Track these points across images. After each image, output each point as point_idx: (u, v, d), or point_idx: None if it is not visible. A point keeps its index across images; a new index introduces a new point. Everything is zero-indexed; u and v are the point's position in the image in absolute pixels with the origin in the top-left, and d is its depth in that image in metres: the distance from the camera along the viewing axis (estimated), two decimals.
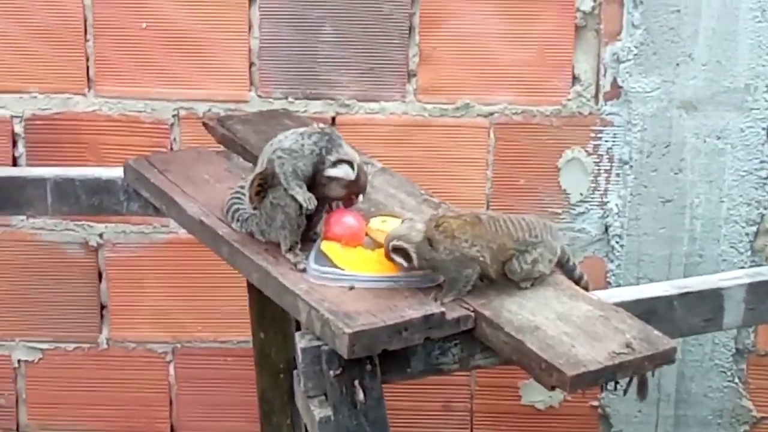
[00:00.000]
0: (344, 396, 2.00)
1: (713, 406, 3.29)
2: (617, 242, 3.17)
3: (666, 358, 1.96)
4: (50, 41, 3.06)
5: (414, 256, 2.07)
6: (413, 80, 3.09)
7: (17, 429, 3.32)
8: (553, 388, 1.92)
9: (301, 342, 2.03)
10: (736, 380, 3.27)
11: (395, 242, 2.08)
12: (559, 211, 3.16)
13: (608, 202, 3.16)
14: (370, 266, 2.13)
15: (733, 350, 3.25)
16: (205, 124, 2.91)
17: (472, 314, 2.04)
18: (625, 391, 2.06)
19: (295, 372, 2.12)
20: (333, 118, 3.09)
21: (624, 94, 3.08)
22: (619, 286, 3.15)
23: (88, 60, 3.08)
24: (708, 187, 3.14)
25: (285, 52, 3.07)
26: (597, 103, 3.10)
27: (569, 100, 3.09)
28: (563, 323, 2.00)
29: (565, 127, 3.11)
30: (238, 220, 2.32)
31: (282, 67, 3.08)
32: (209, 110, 3.09)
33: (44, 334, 3.25)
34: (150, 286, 3.22)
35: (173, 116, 3.10)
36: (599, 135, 3.12)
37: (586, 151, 3.13)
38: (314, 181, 2.21)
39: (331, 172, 2.19)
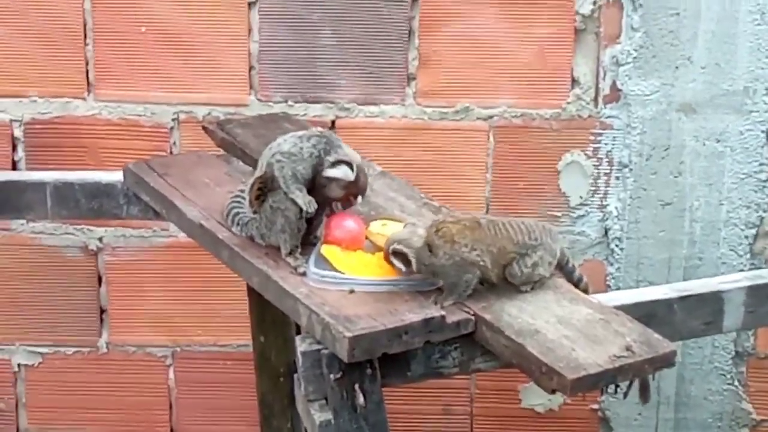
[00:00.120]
0: (344, 400, 2.00)
1: (713, 409, 3.29)
2: (617, 245, 3.17)
3: (666, 361, 1.96)
4: (50, 45, 3.06)
5: (413, 260, 2.07)
6: (413, 83, 3.09)
7: None
8: (553, 392, 1.92)
9: (301, 346, 2.03)
10: (736, 383, 3.27)
11: (395, 246, 2.08)
12: (559, 214, 3.16)
13: (608, 205, 3.16)
14: (371, 270, 2.13)
15: (733, 353, 3.25)
16: (204, 128, 2.91)
17: (473, 318, 2.04)
18: (626, 395, 2.06)
19: (295, 376, 2.12)
20: (333, 122, 3.09)
21: (623, 97, 3.08)
22: (618, 289, 3.15)
23: (87, 64, 3.08)
24: (707, 190, 3.14)
25: (284, 55, 3.08)
26: (596, 106, 3.10)
27: (569, 103, 3.09)
28: (563, 327, 2.01)
29: (565, 130, 3.11)
30: (238, 224, 2.32)
31: (281, 71, 3.08)
32: (209, 114, 3.09)
33: (44, 338, 3.25)
34: (150, 289, 3.21)
35: (173, 120, 3.10)
36: (599, 138, 3.12)
37: (586, 154, 3.13)
38: (314, 183, 2.21)
39: (330, 172, 2.19)
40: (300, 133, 2.25)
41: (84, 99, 3.09)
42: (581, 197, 3.16)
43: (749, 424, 3.31)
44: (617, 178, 3.14)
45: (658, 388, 3.24)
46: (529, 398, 3.29)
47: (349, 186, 2.21)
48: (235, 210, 2.33)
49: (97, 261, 3.20)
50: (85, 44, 3.07)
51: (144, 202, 2.66)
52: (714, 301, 2.31)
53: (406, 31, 3.06)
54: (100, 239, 3.18)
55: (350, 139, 2.49)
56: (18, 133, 3.11)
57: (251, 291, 2.69)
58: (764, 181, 3.13)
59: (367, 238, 2.24)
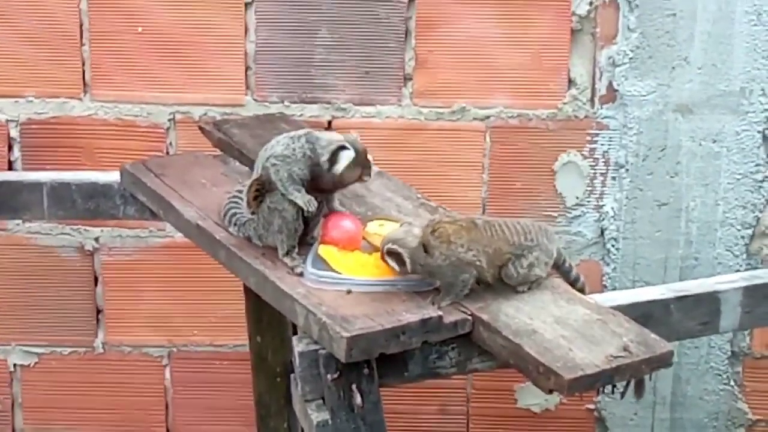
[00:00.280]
0: (342, 400, 2.00)
1: (709, 409, 3.30)
2: (613, 245, 3.18)
3: (663, 361, 1.96)
4: (46, 46, 3.06)
5: (408, 261, 2.07)
6: (409, 84, 3.09)
7: None
8: (550, 392, 1.92)
9: (298, 346, 2.03)
10: (732, 383, 3.28)
11: (390, 245, 2.08)
12: (555, 214, 3.17)
13: (604, 205, 3.16)
14: (368, 270, 2.13)
15: (729, 353, 3.26)
16: (201, 128, 2.91)
17: (470, 318, 2.04)
18: (623, 395, 2.06)
19: (292, 376, 2.12)
20: (329, 122, 3.10)
21: (620, 97, 3.09)
22: (614, 289, 3.16)
23: (83, 64, 3.08)
24: (704, 191, 3.14)
25: (281, 56, 3.08)
26: (593, 106, 3.10)
27: (565, 103, 3.10)
28: (561, 327, 2.01)
29: (561, 130, 3.11)
30: (235, 224, 2.32)
31: (278, 71, 3.08)
32: (205, 114, 3.09)
33: (40, 338, 3.24)
34: (146, 290, 3.21)
35: (169, 120, 3.10)
36: (595, 138, 3.12)
37: (582, 154, 3.13)
38: (317, 183, 2.20)
39: (338, 167, 2.19)
40: (291, 134, 2.25)
41: (80, 99, 3.09)
42: (577, 197, 3.16)
43: (745, 424, 3.31)
44: (613, 178, 3.14)
45: (654, 388, 3.24)
46: (526, 398, 3.29)
47: (356, 162, 2.20)
48: (233, 210, 2.32)
49: (93, 261, 3.19)
50: (82, 45, 3.07)
51: (141, 203, 2.66)
52: (711, 301, 2.32)
53: (403, 32, 3.06)
54: (97, 239, 3.18)
55: None
56: (14, 133, 3.11)
57: (248, 291, 2.69)
58: (760, 181, 3.14)
59: (364, 238, 2.24)
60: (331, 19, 3.05)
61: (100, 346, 3.25)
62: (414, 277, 2.10)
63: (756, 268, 3.17)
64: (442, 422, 3.32)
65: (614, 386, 1.99)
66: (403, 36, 3.07)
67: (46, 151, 3.11)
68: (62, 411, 3.30)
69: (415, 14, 3.05)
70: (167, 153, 3.10)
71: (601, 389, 1.98)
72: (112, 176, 2.73)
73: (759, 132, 3.11)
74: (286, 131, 2.30)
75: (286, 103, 3.09)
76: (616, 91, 3.08)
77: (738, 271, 3.15)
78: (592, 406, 3.30)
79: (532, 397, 3.28)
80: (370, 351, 1.97)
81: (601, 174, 3.14)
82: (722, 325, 2.35)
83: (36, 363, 3.26)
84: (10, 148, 3.12)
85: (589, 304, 2.11)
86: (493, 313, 2.05)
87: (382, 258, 2.10)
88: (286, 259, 2.20)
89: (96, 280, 3.21)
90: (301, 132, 2.25)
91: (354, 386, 2.00)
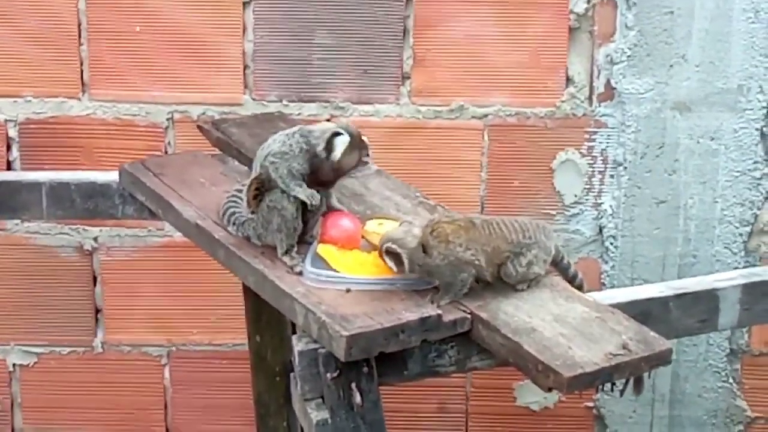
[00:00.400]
0: (341, 399, 2.00)
1: (708, 406, 3.30)
2: (611, 243, 3.18)
3: (662, 359, 1.96)
4: (44, 45, 3.06)
5: (406, 261, 2.07)
6: (407, 82, 3.09)
7: None
8: (549, 390, 1.92)
9: (298, 345, 2.03)
10: (731, 380, 3.28)
11: (389, 245, 2.08)
12: (554, 212, 3.17)
13: (602, 203, 3.16)
14: (367, 269, 2.13)
15: (728, 350, 3.26)
16: (200, 128, 2.91)
17: (469, 316, 2.05)
18: (622, 392, 2.06)
19: (291, 375, 2.12)
20: (327, 121, 3.09)
21: (618, 95, 3.09)
22: (613, 287, 3.16)
23: (82, 64, 3.08)
24: (702, 188, 3.15)
25: (279, 54, 3.08)
26: (591, 104, 3.10)
27: (563, 101, 3.10)
28: (560, 325, 2.01)
29: (559, 128, 3.11)
30: (234, 223, 2.32)
31: (276, 70, 3.08)
32: (204, 113, 3.09)
33: (39, 337, 3.24)
34: (145, 289, 3.21)
35: (168, 120, 3.10)
36: (593, 136, 3.12)
37: (580, 152, 3.13)
38: (318, 175, 2.21)
39: (337, 153, 2.19)
40: (286, 131, 2.25)
41: (79, 99, 3.09)
42: (576, 195, 3.16)
43: (744, 421, 3.32)
44: (612, 176, 3.14)
45: (653, 385, 3.25)
46: (524, 396, 3.30)
47: (353, 146, 2.20)
48: (232, 210, 2.32)
49: (92, 261, 3.19)
50: (80, 44, 3.07)
51: (139, 202, 2.66)
52: (709, 298, 2.32)
53: (401, 31, 3.07)
54: (95, 239, 3.18)
55: None
56: (13, 133, 3.11)
57: (247, 290, 2.69)
58: (758, 178, 3.14)
59: (363, 237, 2.25)
60: (329, 18, 3.05)
61: (99, 346, 3.25)
62: (413, 275, 2.10)
63: (754, 265, 3.17)
64: (442, 420, 3.32)
65: (613, 384, 1.99)
66: (401, 35, 3.07)
67: (45, 151, 3.11)
68: (62, 411, 3.30)
69: (413, 13, 3.05)
70: (166, 152, 3.10)
71: (600, 387, 1.98)
72: (111, 176, 2.73)
73: (757, 129, 3.11)
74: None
75: (285, 102, 3.09)
76: (614, 89, 3.09)
77: (736, 268, 3.15)
78: (591, 404, 3.30)
79: (531, 395, 3.29)
80: (370, 350, 1.97)
81: (600, 172, 3.15)
82: (721, 322, 2.35)
83: (35, 363, 3.27)
84: (8, 147, 3.12)
85: (588, 302, 2.11)
86: (492, 311, 2.05)
87: (381, 256, 2.10)
88: (285, 258, 2.20)
89: (95, 279, 3.21)
90: (294, 128, 2.25)
91: (353, 385, 2.00)
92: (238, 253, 2.25)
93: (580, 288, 2.18)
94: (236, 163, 2.71)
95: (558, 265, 2.20)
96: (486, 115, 3.11)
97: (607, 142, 3.12)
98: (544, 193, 3.16)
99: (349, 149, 2.20)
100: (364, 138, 2.23)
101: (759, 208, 3.16)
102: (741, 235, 3.17)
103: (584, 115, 3.11)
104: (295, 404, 2.17)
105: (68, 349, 3.25)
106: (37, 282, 3.20)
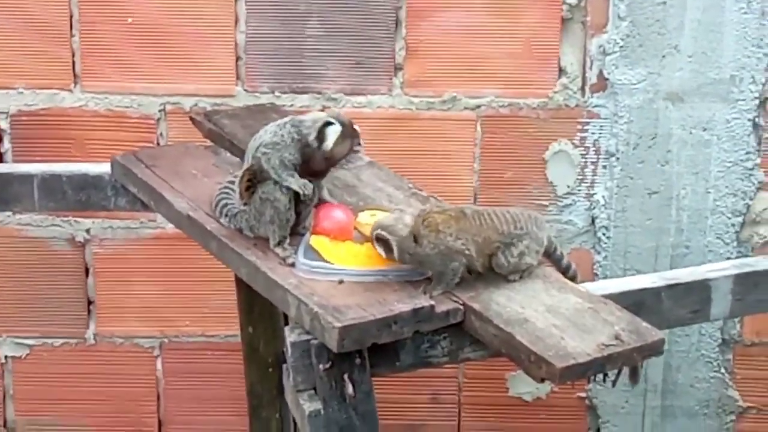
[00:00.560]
0: (334, 390, 2.00)
1: (700, 396, 3.31)
2: (604, 234, 3.18)
3: (655, 349, 1.96)
4: (36, 37, 3.05)
5: (395, 249, 2.06)
6: (400, 74, 3.09)
7: (4, 424, 3.32)
8: (542, 381, 1.92)
9: (290, 336, 2.03)
10: (723, 370, 3.29)
11: (379, 232, 2.08)
12: (546, 203, 3.17)
13: (595, 194, 3.17)
14: (359, 260, 2.13)
15: (720, 341, 3.26)
16: (192, 119, 2.91)
17: (461, 307, 2.05)
18: (614, 383, 2.06)
19: (284, 366, 2.12)
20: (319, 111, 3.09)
21: (610, 86, 3.09)
22: (606, 277, 3.16)
23: (74, 55, 3.07)
24: (694, 179, 3.15)
25: (271, 46, 3.07)
26: (583, 95, 3.10)
27: (556, 92, 3.10)
28: (552, 315, 2.01)
29: (552, 119, 3.11)
30: (226, 215, 2.31)
31: (269, 62, 3.08)
32: (196, 105, 3.09)
33: (31, 329, 3.24)
34: (137, 281, 3.21)
35: (160, 111, 3.10)
36: (586, 127, 3.12)
37: (573, 143, 3.13)
38: (310, 165, 2.20)
39: (329, 142, 2.19)
40: (277, 122, 2.25)
41: (71, 91, 3.09)
42: (568, 186, 3.16)
43: (735, 411, 3.32)
44: (604, 167, 3.15)
45: (645, 375, 3.25)
46: (517, 386, 3.30)
47: (344, 135, 2.20)
48: (224, 201, 2.32)
49: (84, 253, 3.19)
50: (72, 36, 3.06)
51: (132, 194, 2.65)
52: (701, 289, 2.32)
53: (393, 21, 3.06)
54: (88, 231, 3.17)
55: None
56: (4, 125, 3.10)
57: (239, 282, 2.69)
58: (750, 169, 3.14)
59: (355, 228, 2.25)
60: (321, 10, 3.05)
61: (91, 338, 3.25)
62: (405, 266, 2.10)
63: (747, 255, 3.18)
64: (434, 411, 3.33)
65: (606, 375, 1.99)
66: (394, 26, 3.07)
67: (37, 143, 3.10)
68: (54, 402, 3.30)
69: (405, 4, 3.05)
70: (158, 144, 3.10)
71: (592, 377, 1.98)
72: (103, 167, 2.73)
73: (749, 120, 3.12)
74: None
75: (277, 93, 3.09)
76: (607, 79, 3.09)
77: (729, 258, 3.15)
78: (583, 395, 3.31)
79: (523, 386, 3.29)
80: (362, 341, 1.97)
81: (592, 163, 3.15)
82: (713, 312, 2.35)
83: (27, 354, 3.26)
84: (0, 139, 3.11)
85: (581, 292, 2.11)
86: (484, 302, 2.05)
87: (372, 243, 2.10)
88: (278, 250, 2.20)
89: (87, 271, 3.21)
90: (286, 119, 2.25)
91: (346, 376, 2.00)
92: (231, 244, 2.25)
93: (572, 279, 2.18)
94: (228, 154, 2.71)
95: (551, 255, 2.20)
96: (479, 107, 3.11)
97: (600, 133, 3.12)
98: (537, 183, 3.16)
99: (341, 138, 2.20)
100: (355, 127, 2.23)
101: (751, 199, 3.16)
102: (733, 225, 3.18)
103: (577, 105, 3.11)
104: (287, 395, 2.16)
105: (60, 341, 3.25)
106: (29, 274, 3.20)
